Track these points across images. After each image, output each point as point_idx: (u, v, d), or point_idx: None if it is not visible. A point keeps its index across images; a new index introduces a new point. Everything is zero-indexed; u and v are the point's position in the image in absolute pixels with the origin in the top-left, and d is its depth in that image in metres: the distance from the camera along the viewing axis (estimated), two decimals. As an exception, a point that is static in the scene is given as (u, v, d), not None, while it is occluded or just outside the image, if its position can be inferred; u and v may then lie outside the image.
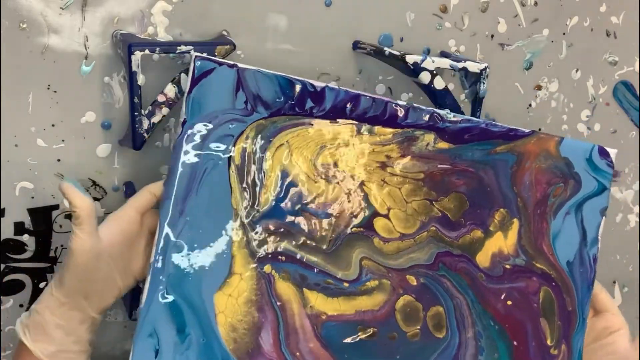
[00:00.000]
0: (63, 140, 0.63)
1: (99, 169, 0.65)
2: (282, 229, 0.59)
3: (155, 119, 0.61)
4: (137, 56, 0.58)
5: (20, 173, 0.63)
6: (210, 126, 0.57)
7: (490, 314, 0.62)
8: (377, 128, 0.60)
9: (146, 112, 0.60)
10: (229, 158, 0.58)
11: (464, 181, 0.61)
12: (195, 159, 0.57)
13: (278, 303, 0.58)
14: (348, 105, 0.60)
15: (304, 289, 0.59)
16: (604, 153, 0.63)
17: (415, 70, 0.66)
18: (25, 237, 0.64)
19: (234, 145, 0.58)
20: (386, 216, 0.60)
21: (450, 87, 0.72)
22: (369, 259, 0.60)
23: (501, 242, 0.62)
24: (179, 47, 0.60)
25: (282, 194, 0.59)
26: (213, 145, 0.58)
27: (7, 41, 0.59)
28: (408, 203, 0.61)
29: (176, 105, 0.62)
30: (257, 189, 0.58)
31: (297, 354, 0.58)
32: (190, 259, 0.57)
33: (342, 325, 0.59)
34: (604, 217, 0.64)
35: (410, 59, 0.66)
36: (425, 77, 0.67)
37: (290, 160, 0.59)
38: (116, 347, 0.71)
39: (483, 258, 0.61)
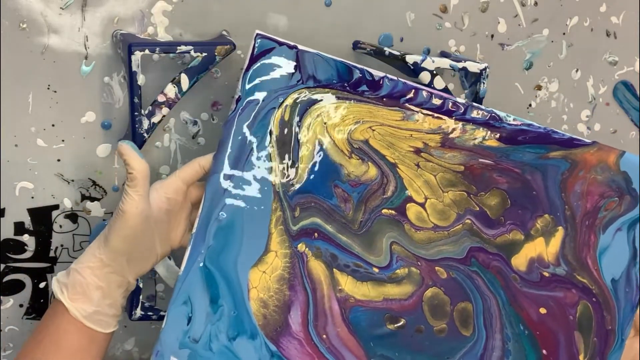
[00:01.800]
0: (63, 140, 0.63)
1: (99, 169, 0.65)
2: (315, 204, 0.59)
3: (155, 119, 0.61)
4: (137, 56, 0.58)
5: (20, 173, 0.63)
6: (262, 103, 0.58)
7: (522, 318, 0.60)
8: (428, 117, 0.60)
9: (146, 112, 0.60)
10: (269, 131, 0.58)
11: (506, 180, 0.60)
12: (246, 135, 0.58)
13: (309, 283, 0.58)
14: (404, 96, 0.60)
15: (334, 269, 0.59)
16: None
17: (415, 70, 0.66)
18: (25, 237, 0.64)
19: (274, 116, 0.58)
20: (422, 205, 0.60)
21: (450, 87, 0.72)
22: (398, 244, 0.59)
23: (542, 248, 0.60)
24: (179, 47, 0.60)
25: (316, 168, 0.59)
26: (261, 123, 0.58)
27: (7, 41, 0.59)
28: (444, 192, 0.60)
29: (177, 105, 0.62)
30: (294, 162, 0.59)
31: (324, 336, 0.58)
32: (231, 234, 0.57)
33: (369, 312, 0.59)
34: None
35: (410, 59, 0.66)
36: (425, 77, 0.67)
37: (325, 133, 0.59)
38: (116, 346, 0.71)
39: (520, 261, 0.60)
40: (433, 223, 0.60)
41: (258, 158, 0.58)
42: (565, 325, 0.60)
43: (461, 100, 0.60)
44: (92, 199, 0.65)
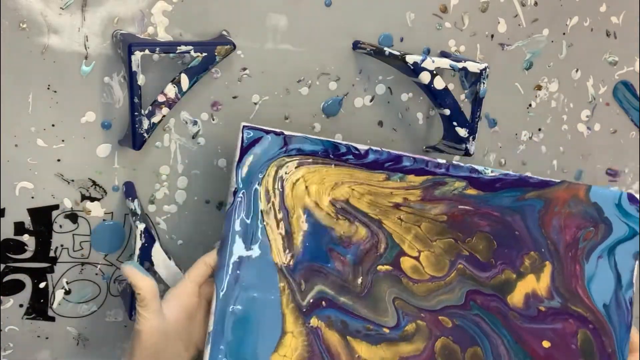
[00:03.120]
0: (63, 140, 0.63)
1: (99, 169, 0.65)
2: (317, 272, 0.60)
3: (155, 119, 0.61)
4: (137, 56, 0.58)
5: (20, 173, 0.63)
6: (255, 186, 0.59)
7: (529, 354, 0.62)
8: (409, 176, 0.62)
9: (146, 112, 0.60)
10: (260, 210, 0.59)
11: (487, 222, 0.62)
12: (246, 223, 0.59)
13: (329, 357, 0.59)
14: (388, 163, 0.62)
15: (347, 337, 0.60)
16: (633, 199, 0.65)
17: (415, 70, 0.66)
18: (25, 237, 0.64)
19: (259, 192, 0.59)
20: (417, 258, 0.61)
21: (450, 87, 0.72)
22: (400, 299, 0.61)
23: (534, 284, 0.63)
24: (179, 47, 0.60)
25: (309, 234, 0.60)
26: (253, 205, 0.60)
27: (7, 41, 0.59)
28: (433, 242, 0.62)
29: (176, 105, 0.62)
30: (287, 231, 0.60)
31: None
32: (247, 324, 0.58)
33: None
34: (637, 261, 0.65)
35: (410, 59, 0.66)
36: (425, 77, 0.67)
37: (309, 196, 0.60)
38: (116, 346, 0.71)
39: (516, 299, 0.62)
40: (429, 275, 0.61)
41: (257, 241, 0.59)
42: (570, 356, 0.63)
43: (442, 160, 0.63)
44: (92, 199, 0.65)
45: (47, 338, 0.68)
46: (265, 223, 0.59)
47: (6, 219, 0.63)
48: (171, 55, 0.60)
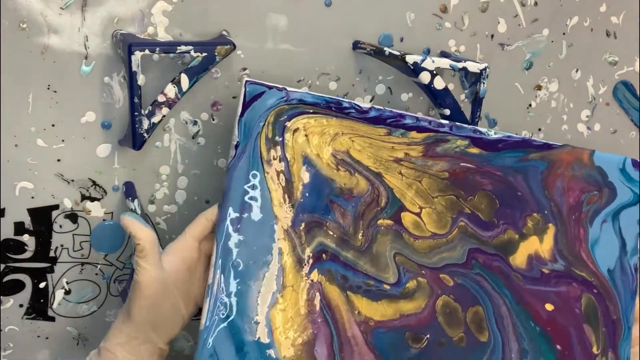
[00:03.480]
0: (63, 140, 0.63)
1: (99, 169, 0.65)
2: (317, 223, 0.59)
3: (155, 119, 0.61)
4: (137, 56, 0.58)
5: (20, 173, 0.63)
6: (255, 137, 0.59)
7: (531, 315, 0.61)
8: (411, 132, 0.61)
9: (146, 112, 0.60)
10: (260, 158, 0.59)
11: (489, 181, 0.61)
12: (248, 178, 0.58)
13: (329, 313, 0.59)
14: (390, 119, 0.61)
15: (347, 292, 0.59)
16: (637, 165, 0.64)
17: (415, 70, 0.66)
18: (25, 237, 0.64)
19: (259, 141, 0.59)
20: (418, 215, 0.60)
21: (450, 87, 0.72)
22: (401, 255, 0.60)
23: (537, 246, 0.61)
24: (179, 47, 0.60)
25: (310, 185, 0.59)
26: (254, 155, 0.59)
27: (7, 41, 0.59)
28: (434, 198, 0.61)
29: (177, 105, 0.62)
30: (287, 180, 0.59)
31: None
32: (247, 278, 0.58)
33: (390, 333, 0.59)
34: None
35: (410, 59, 0.66)
36: (425, 77, 0.67)
37: (309, 146, 0.60)
38: (116, 347, 0.71)
39: (519, 260, 0.61)
40: (431, 231, 0.61)
41: (259, 193, 0.59)
42: (573, 320, 0.61)
43: (445, 121, 0.62)
44: (92, 199, 0.65)
45: (47, 338, 0.68)
46: (265, 173, 0.58)
47: (6, 219, 0.63)
48: (171, 55, 0.60)
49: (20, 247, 0.65)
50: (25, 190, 0.63)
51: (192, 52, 0.60)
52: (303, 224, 0.59)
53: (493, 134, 0.62)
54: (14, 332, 0.67)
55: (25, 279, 0.66)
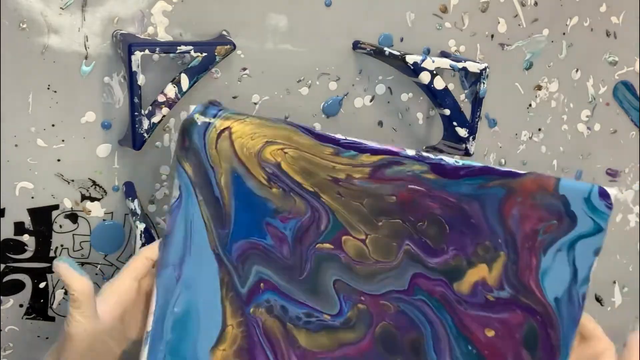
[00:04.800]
0: (63, 140, 0.63)
1: (99, 169, 0.65)
2: (254, 249, 0.56)
3: (155, 119, 0.61)
4: (137, 56, 0.58)
5: (20, 173, 0.63)
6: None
7: (470, 339, 0.60)
8: (363, 155, 0.56)
9: (146, 112, 0.60)
10: (191, 183, 0.55)
11: (439, 206, 0.58)
12: (186, 211, 0.55)
13: (269, 347, 0.57)
14: (345, 141, 0.57)
15: (287, 324, 0.57)
16: (603, 194, 0.61)
17: (415, 70, 0.66)
18: (25, 237, 0.64)
19: (185, 163, 0.54)
20: (363, 241, 0.58)
21: (450, 87, 0.72)
22: (341, 281, 0.58)
23: (485, 274, 0.60)
24: (179, 47, 0.60)
25: (242, 206, 0.55)
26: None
27: (7, 41, 0.59)
28: (379, 223, 0.58)
29: (176, 105, 0.62)
30: (217, 198, 0.55)
31: None
32: (187, 323, 0.56)
33: None
34: (596, 258, 0.62)
35: (410, 59, 0.66)
36: (425, 77, 0.67)
37: (235, 154, 0.54)
38: (116, 347, 0.71)
39: (464, 286, 0.60)
40: (374, 259, 0.58)
41: (197, 229, 0.55)
42: (512, 345, 0.61)
43: (412, 152, 0.57)
44: (92, 199, 0.65)
45: (47, 338, 0.68)
46: (199, 199, 0.55)
47: (6, 219, 0.63)
48: (171, 55, 0.60)
49: (20, 247, 0.65)
50: (25, 190, 0.63)
51: (192, 52, 0.60)
52: (239, 251, 0.56)
53: (457, 162, 0.58)
54: (14, 332, 0.67)
55: (25, 279, 0.66)
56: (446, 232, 0.59)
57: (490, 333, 0.61)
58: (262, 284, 0.57)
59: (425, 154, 0.57)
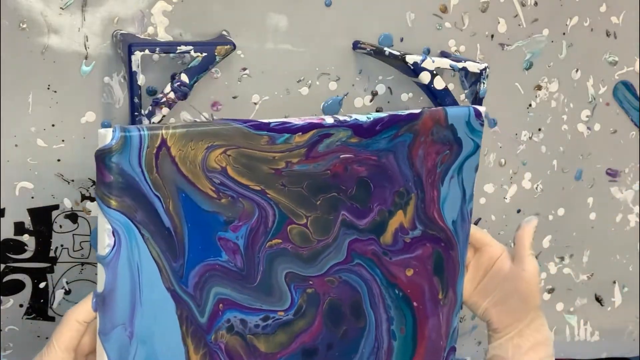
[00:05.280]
0: (63, 140, 0.63)
1: (99, 169, 0.65)
2: (210, 271, 0.54)
3: (155, 119, 0.61)
4: (137, 56, 0.58)
5: (20, 173, 0.63)
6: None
7: (396, 284, 0.63)
8: (296, 135, 0.55)
9: (146, 112, 0.60)
10: (130, 220, 0.49)
11: (365, 168, 0.60)
12: (130, 262, 0.50)
13: None
14: (275, 124, 0.55)
15: (248, 336, 0.56)
16: (478, 114, 0.65)
17: (415, 70, 0.66)
18: (25, 237, 0.64)
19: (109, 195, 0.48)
20: (305, 225, 0.58)
21: (450, 87, 0.72)
22: (291, 272, 0.58)
23: (401, 219, 0.63)
24: (179, 47, 0.60)
25: (193, 227, 0.52)
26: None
27: (7, 41, 0.59)
28: (317, 202, 0.58)
29: (177, 105, 0.62)
30: (169, 235, 0.51)
31: None
32: None
33: (290, 358, 0.59)
34: (476, 173, 0.66)
35: (410, 59, 0.66)
36: (425, 77, 0.67)
37: (178, 171, 0.50)
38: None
39: (387, 237, 0.62)
40: (317, 239, 0.58)
41: (145, 274, 0.50)
42: (426, 276, 0.65)
43: (329, 118, 0.58)
44: (92, 199, 0.65)
45: (47, 338, 0.68)
46: (146, 237, 0.50)
47: (6, 219, 0.63)
48: (171, 55, 0.60)
49: (20, 247, 0.65)
50: (25, 190, 0.63)
51: (192, 52, 0.60)
52: (196, 279, 0.53)
53: (369, 117, 0.59)
54: (14, 332, 0.67)
55: (25, 279, 0.66)
56: (371, 191, 0.61)
57: (410, 272, 0.64)
58: (220, 305, 0.55)
59: (341, 117, 0.58)
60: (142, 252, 0.50)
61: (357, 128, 0.59)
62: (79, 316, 0.50)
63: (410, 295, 0.64)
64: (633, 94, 0.84)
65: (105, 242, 0.48)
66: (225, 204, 0.53)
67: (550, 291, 0.87)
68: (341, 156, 0.58)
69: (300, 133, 0.56)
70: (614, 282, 0.90)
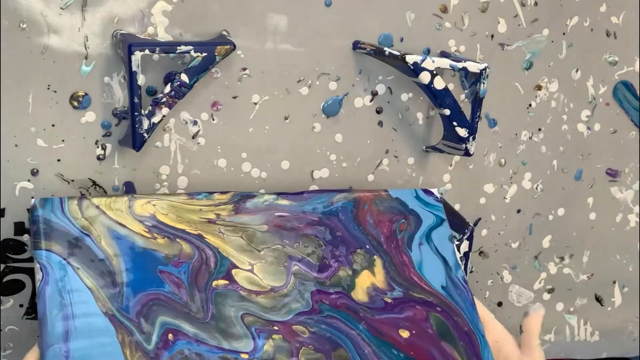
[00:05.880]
0: (63, 140, 0.63)
1: (99, 169, 0.65)
2: (154, 300, 0.55)
3: (155, 119, 0.61)
4: (137, 56, 0.58)
5: (20, 173, 0.63)
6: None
7: (391, 344, 0.60)
8: (215, 194, 0.61)
9: (146, 112, 0.60)
10: (59, 255, 0.55)
11: (308, 225, 0.62)
12: (61, 294, 0.54)
13: None
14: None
15: None
16: (427, 192, 0.67)
17: (415, 70, 0.66)
18: (25, 237, 0.64)
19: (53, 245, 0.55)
20: (250, 271, 0.58)
21: (450, 87, 0.72)
22: (250, 315, 0.57)
23: (371, 279, 0.62)
24: (179, 47, 0.60)
25: (131, 261, 0.56)
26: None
27: (7, 41, 0.59)
28: (260, 252, 0.59)
29: (176, 105, 0.62)
30: (103, 266, 0.55)
31: None
32: None
33: None
34: (454, 244, 0.66)
35: (410, 59, 0.66)
36: (425, 77, 0.67)
37: (105, 215, 0.56)
38: (116, 347, 0.71)
39: (359, 294, 0.61)
40: (269, 285, 0.59)
41: (79, 299, 0.53)
42: (430, 340, 0.61)
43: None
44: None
45: (47, 338, 0.68)
46: (76, 268, 0.55)
47: (6, 219, 0.63)
48: (171, 55, 0.60)
49: (20, 247, 0.65)
50: (25, 190, 0.63)
51: (192, 52, 0.60)
52: (138, 307, 0.54)
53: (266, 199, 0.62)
54: (14, 332, 0.67)
55: (25, 279, 0.66)
56: (322, 248, 0.61)
57: (405, 333, 0.61)
58: (170, 335, 0.54)
59: (240, 193, 0.61)
60: (72, 281, 0.54)
61: (281, 193, 0.62)
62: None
63: (416, 357, 0.60)
64: (633, 94, 0.84)
65: (36, 277, 0.54)
66: (162, 243, 0.57)
67: (550, 291, 0.87)
68: (276, 214, 0.60)
69: (218, 193, 0.60)
70: (614, 282, 0.90)
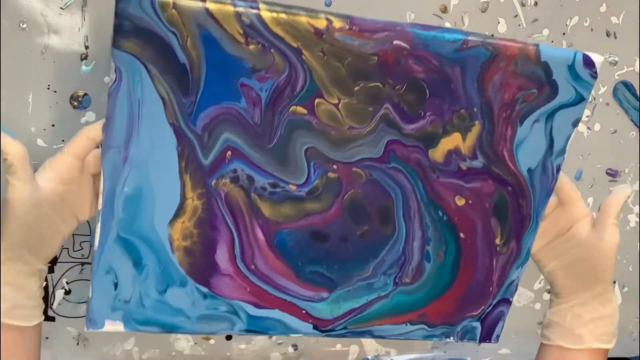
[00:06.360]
0: (63, 140, 0.63)
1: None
2: (223, 115, 0.53)
3: (156, 118, 0.61)
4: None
5: (20, 173, 0.63)
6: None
7: (441, 206, 0.59)
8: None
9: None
10: (137, 58, 0.51)
11: (423, 69, 0.55)
12: (131, 93, 0.51)
13: (231, 219, 0.56)
14: None
15: (252, 195, 0.55)
16: (588, 62, 0.58)
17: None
18: (25, 237, 0.64)
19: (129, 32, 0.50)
20: (336, 105, 0.54)
21: (450, 87, 0.72)
22: (313, 148, 0.55)
23: (459, 142, 0.58)
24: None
25: (213, 68, 0.51)
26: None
27: (7, 41, 0.59)
28: (355, 87, 0.54)
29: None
30: (183, 65, 0.51)
31: (253, 266, 0.57)
32: (141, 199, 0.54)
33: (293, 233, 0.57)
34: (575, 129, 0.61)
35: (410, 58, 0.66)
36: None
37: (205, 13, 0.50)
38: (116, 346, 0.71)
39: (437, 154, 0.58)
40: (348, 124, 0.55)
41: (147, 106, 0.52)
42: (482, 213, 0.61)
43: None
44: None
45: (47, 338, 0.68)
46: (153, 74, 0.51)
47: (6, 219, 0.63)
48: (171, 55, 0.60)
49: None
50: (25, 190, 0.63)
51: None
52: (206, 120, 0.53)
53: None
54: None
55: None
56: (425, 97, 0.56)
57: (461, 201, 0.60)
58: (229, 153, 0.54)
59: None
60: (145, 88, 0.51)
61: (415, 24, 0.55)
62: (90, 133, 0.53)
63: (457, 223, 0.60)
64: (633, 94, 0.84)
65: (111, 76, 0.51)
66: (254, 51, 0.51)
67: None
68: (394, 42, 0.54)
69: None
70: (614, 282, 0.90)
